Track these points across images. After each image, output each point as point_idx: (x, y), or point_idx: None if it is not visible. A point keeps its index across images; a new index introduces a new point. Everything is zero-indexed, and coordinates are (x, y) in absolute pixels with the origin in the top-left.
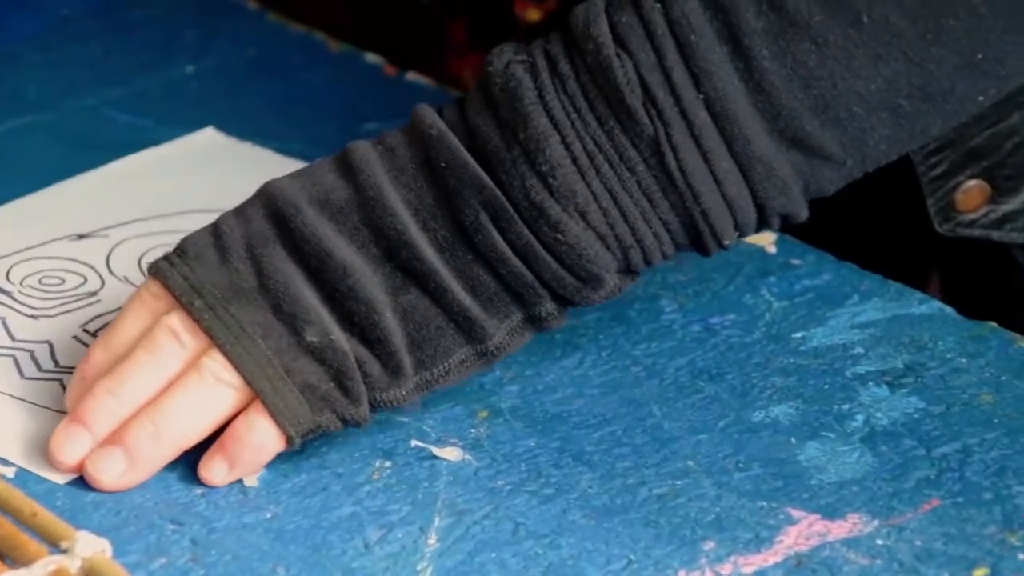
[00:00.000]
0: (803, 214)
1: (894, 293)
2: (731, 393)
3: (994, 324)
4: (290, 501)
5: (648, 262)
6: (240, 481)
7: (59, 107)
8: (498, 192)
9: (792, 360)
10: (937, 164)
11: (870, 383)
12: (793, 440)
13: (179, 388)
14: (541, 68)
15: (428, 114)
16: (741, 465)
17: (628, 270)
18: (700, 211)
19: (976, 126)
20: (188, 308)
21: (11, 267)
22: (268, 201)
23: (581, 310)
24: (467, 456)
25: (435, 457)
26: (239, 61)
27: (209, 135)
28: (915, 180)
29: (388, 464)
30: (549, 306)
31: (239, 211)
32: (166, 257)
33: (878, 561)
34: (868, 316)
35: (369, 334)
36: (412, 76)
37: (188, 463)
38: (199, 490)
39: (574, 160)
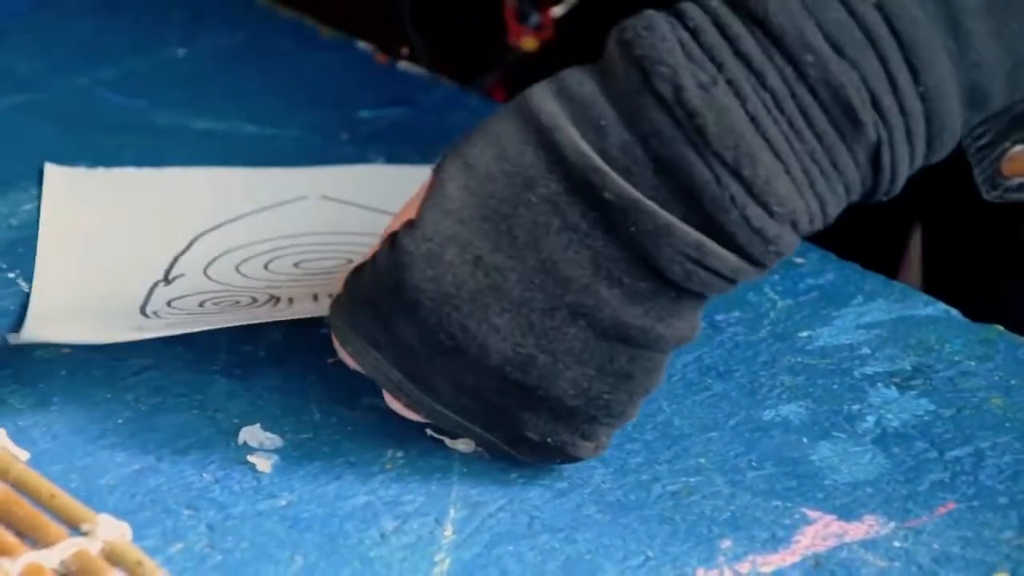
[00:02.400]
0: None
1: (899, 294)
2: (740, 391)
3: (1000, 328)
4: (304, 489)
5: None
6: (253, 467)
7: (51, 86)
8: (710, 241)
9: (799, 359)
10: (982, 135)
11: (879, 384)
12: (805, 440)
13: None
14: (745, 85)
15: (585, 154)
16: (754, 464)
17: None
18: (887, 191)
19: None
20: None
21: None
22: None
23: None
24: (479, 448)
25: (447, 448)
26: (229, 45)
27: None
28: None
29: (400, 454)
30: None
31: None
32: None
33: (896, 564)
34: (873, 317)
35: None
36: (404, 65)
37: (201, 447)
38: (211, 476)
39: (794, 182)
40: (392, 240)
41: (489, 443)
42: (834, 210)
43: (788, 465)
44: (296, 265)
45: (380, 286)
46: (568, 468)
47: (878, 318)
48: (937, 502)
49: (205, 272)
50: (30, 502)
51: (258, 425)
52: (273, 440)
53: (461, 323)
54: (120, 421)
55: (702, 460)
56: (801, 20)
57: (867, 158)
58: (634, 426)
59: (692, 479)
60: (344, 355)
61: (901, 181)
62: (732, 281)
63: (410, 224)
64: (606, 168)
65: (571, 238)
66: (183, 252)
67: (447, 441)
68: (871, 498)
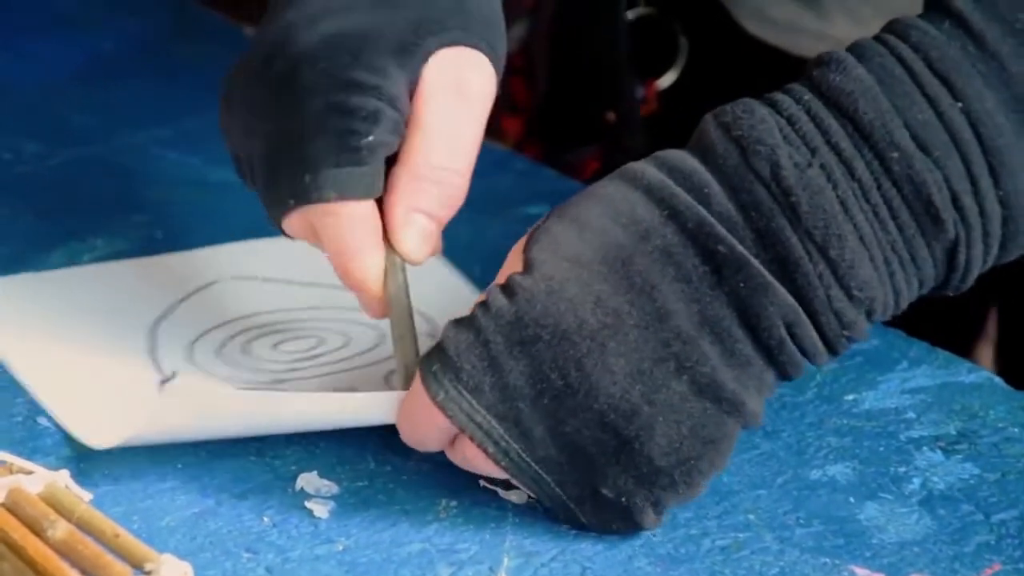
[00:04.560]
0: None
1: (943, 361)
2: (787, 451)
3: None
4: (360, 535)
5: None
6: (310, 512)
7: (108, 142)
8: (800, 310)
9: (845, 421)
10: None
11: (924, 448)
12: (852, 499)
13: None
14: (836, 172)
15: (698, 209)
16: (802, 521)
17: None
18: (957, 287)
19: None
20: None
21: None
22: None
23: None
24: (532, 498)
25: (500, 499)
26: None
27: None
28: None
29: (454, 503)
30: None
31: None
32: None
33: None
34: (918, 382)
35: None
36: None
37: (259, 492)
38: (270, 520)
39: (876, 270)
40: (505, 285)
41: (553, 498)
42: (906, 302)
43: (836, 523)
44: (275, 347)
45: (495, 324)
46: None
47: (922, 383)
48: (983, 564)
49: (193, 361)
50: (94, 541)
51: (315, 472)
52: (330, 487)
53: (578, 361)
54: (179, 466)
55: (751, 516)
56: (889, 119)
57: (944, 255)
58: None
59: (741, 535)
60: (419, 409)
61: (972, 279)
62: (809, 360)
63: (521, 272)
64: (718, 224)
65: (683, 289)
66: (156, 349)
67: (500, 492)
68: (918, 557)
